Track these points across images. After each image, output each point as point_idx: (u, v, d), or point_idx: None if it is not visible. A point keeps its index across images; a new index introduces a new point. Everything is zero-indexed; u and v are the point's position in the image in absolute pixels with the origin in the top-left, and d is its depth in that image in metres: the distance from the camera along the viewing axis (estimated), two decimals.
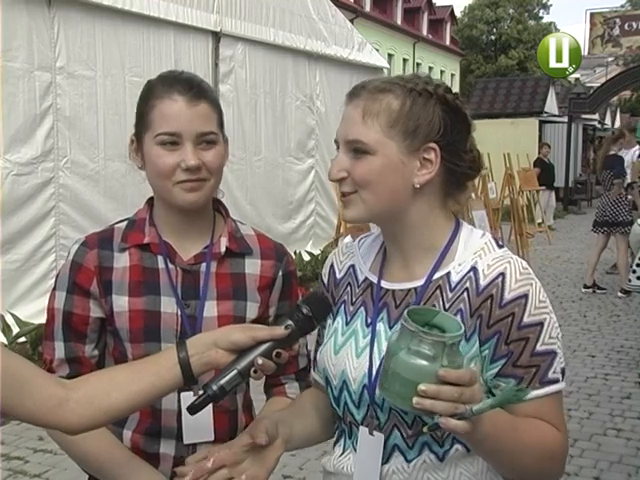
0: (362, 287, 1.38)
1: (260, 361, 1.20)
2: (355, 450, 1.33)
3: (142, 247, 1.49)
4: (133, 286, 1.47)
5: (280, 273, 1.57)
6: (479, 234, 1.33)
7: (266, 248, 1.58)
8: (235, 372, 1.20)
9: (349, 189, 1.27)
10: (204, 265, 1.50)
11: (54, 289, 1.51)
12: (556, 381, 1.24)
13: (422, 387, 1.04)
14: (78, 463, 1.50)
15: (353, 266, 1.43)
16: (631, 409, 4.86)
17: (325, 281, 1.48)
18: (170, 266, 1.48)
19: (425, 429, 1.09)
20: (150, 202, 1.55)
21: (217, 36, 7.76)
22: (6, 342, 5.30)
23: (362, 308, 1.36)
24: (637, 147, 10.26)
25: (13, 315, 5.47)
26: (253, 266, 1.55)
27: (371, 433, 1.29)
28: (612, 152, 8.68)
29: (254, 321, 1.50)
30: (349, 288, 1.41)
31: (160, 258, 1.49)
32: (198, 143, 1.43)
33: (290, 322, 1.22)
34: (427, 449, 1.26)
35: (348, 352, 1.32)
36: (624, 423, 4.61)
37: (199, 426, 1.47)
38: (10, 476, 3.78)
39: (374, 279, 1.36)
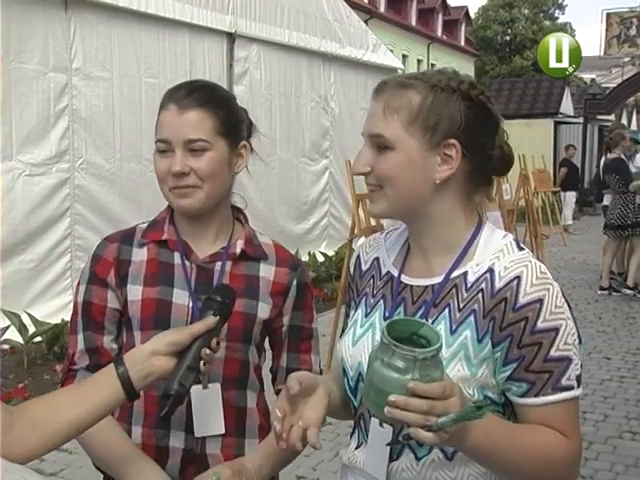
0: (384, 280, 1.39)
1: (208, 351, 1.30)
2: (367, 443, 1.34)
3: (160, 243, 1.55)
4: (148, 277, 1.52)
5: (294, 282, 1.59)
6: (500, 235, 1.32)
7: (282, 257, 1.61)
8: (186, 368, 1.28)
9: (374, 182, 1.29)
10: (219, 264, 1.54)
11: (78, 284, 1.57)
12: (570, 388, 1.22)
13: (392, 398, 1.05)
14: (92, 458, 1.52)
15: (378, 259, 1.44)
16: None
17: (351, 272, 1.49)
18: (186, 262, 1.53)
19: (400, 438, 1.12)
20: None
21: (232, 37, 7.79)
22: (22, 342, 5.34)
23: (381, 301, 1.37)
24: None
25: (29, 315, 5.51)
26: (267, 271, 1.58)
27: (381, 425, 1.29)
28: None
29: (265, 322, 1.55)
30: (372, 280, 1.42)
31: (176, 254, 1.54)
32: (188, 150, 1.46)
33: (210, 312, 1.33)
34: (437, 447, 1.25)
35: (365, 344, 1.33)
36: None
37: (210, 420, 1.50)
38: None
39: (395, 273, 1.37)
